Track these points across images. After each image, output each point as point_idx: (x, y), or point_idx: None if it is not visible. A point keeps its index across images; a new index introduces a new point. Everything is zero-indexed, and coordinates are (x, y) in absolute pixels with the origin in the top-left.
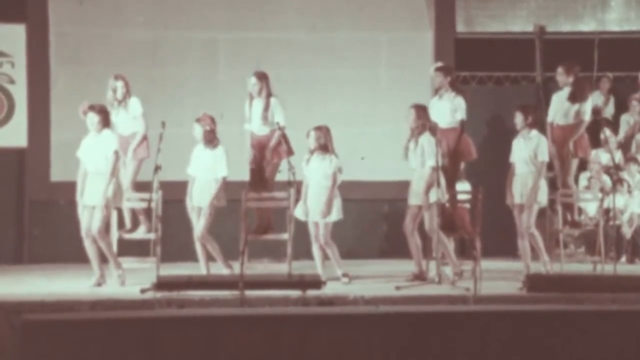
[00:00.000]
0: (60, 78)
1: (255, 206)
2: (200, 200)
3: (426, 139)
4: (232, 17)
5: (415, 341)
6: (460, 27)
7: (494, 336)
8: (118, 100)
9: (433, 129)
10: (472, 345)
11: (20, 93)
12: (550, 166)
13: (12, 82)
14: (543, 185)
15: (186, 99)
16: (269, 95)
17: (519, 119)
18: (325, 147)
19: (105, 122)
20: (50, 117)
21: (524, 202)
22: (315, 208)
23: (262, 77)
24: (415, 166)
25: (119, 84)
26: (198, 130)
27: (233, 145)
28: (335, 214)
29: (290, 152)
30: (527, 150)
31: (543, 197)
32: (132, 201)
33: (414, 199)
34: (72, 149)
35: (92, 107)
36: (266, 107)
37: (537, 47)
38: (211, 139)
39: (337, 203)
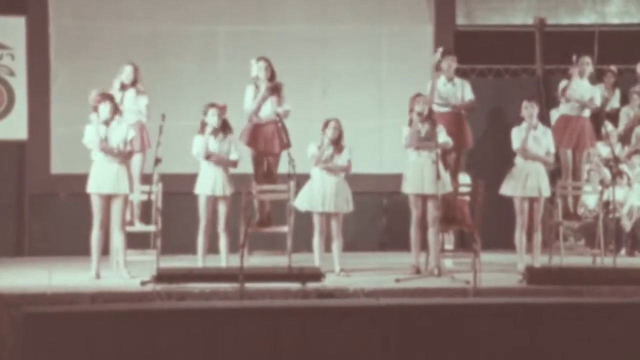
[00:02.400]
0: (60, 71)
1: (256, 198)
2: (217, 189)
3: (438, 126)
4: (232, 10)
5: (414, 334)
6: (460, 20)
7: (493, 329)
8: (128, 84)
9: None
10: (472, 337)
11: (20, 85)
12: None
13: (12, 74)
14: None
15: (186, 91)
16: (277, 81)
17: (534, 109)
18: (339, 139)
19: (114, 110)
20: (50, 109)
21: (539, 195)
22: (331, 199)
23: (270, 61)
24: (427, 153)
25: (129, 69)
26: (215, 118)
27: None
28: (352, 204)
29: (289, 143)
30: (541, 142)
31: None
32: (134, 193)
33: (430, 187)
34: (72, 142)
35: (105, 96)
36: (277, 93)
37: (537, 39)
38: (227, 127)
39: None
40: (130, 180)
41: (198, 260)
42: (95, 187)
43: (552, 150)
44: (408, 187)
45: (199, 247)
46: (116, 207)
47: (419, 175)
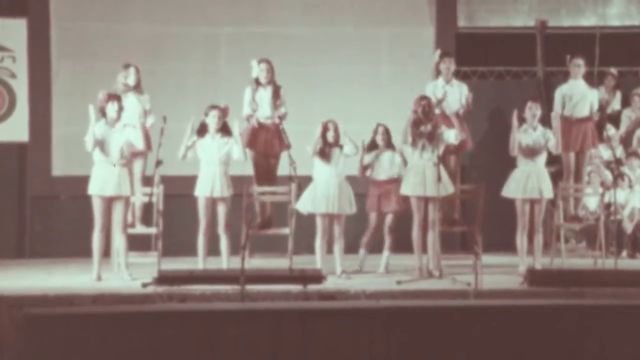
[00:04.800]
0: (61, 73)
1: (257, 200)
2: (215, 191)
3: (440, 127)
4: (233, 12)
5: (416, 335)
6: (462, 22)
7: (494, 331)
8: (130, 87)
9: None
10: (473, 339)
11: (21, 88)
12: (555, 159)
13: (13, 76)
14: None
15: (188, 93)
16: (277, 83)
17: (538, 111)
18: (338, 140)
19: (120, 112)
20: (52, 111)
21: (540, 197)
22: (334, 200)
23: (271, 63)
24: (428, 156)
25: (131, 71)
26: (215, 120)
27: None
28: (354, 206)
29: (289, 145)
30: (542, 144)
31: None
32: (135, 195)
33: (432, 189)
34: (73, 144)
35: (113, 96)
36: (277, 95)
37: (539, 41)
38: (227, 129)
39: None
40: (131, 182)
41: (199, 262)
42: (96, 189)
43: (554, 150)
44: (409, 189)
45: (199, 248)
46: (118, 209)
47: (421, 177)
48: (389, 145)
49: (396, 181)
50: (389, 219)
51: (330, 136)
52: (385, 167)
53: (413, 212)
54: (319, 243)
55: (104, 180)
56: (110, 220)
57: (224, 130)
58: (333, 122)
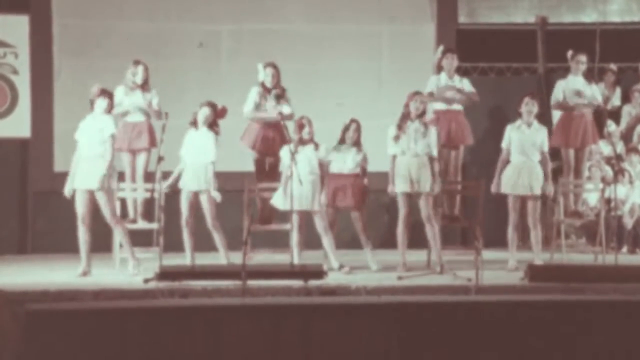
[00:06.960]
0: (63, 69)
1: (258, 196)
2: (195, 185)
3: (430, 128)
4: (234, 9)
5: (416, 331)
6: (462, 19)
7: (495, 326)
8: (137, 85)
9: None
10: (474, 335)
11: (23, 84)
12: (554, 156)
13: (15, 72)
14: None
15: (189, 90)
16: (282, 86)
17: (534, 107)
18: (312, 137)
19: (110, 109)
20: (54, 107)
21: (531, 193)
22: (306, 198)
23: (277, 68)
24: (420, 152)
25: (140, 68)
26: (206, 115)
27: (235, 135)
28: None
29: (290, 142)
30: (536, 140)
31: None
32: (137, 191)
33: (418, 185)
34: (75, 139)
35: (104, 92)
36: (281, 98)
37: (539, 38)
38: (215, 126)
39: None
40: (113, 174)
41: (186, 257)
42: (69, 183)
43: (546, 148)
44: (397, 187)
45: (186, 242)
46: (101, 202)
47: (405, 174)
48: (357, 142)
49: (356, 176)
50: (354, 217)
51: (305, 133)
52: (348, 162)
53: (399, 208)
54: (294, 239)
55: (74, 174)
56: (89, 213)
57: (212, 127)
58: (307, 118)
